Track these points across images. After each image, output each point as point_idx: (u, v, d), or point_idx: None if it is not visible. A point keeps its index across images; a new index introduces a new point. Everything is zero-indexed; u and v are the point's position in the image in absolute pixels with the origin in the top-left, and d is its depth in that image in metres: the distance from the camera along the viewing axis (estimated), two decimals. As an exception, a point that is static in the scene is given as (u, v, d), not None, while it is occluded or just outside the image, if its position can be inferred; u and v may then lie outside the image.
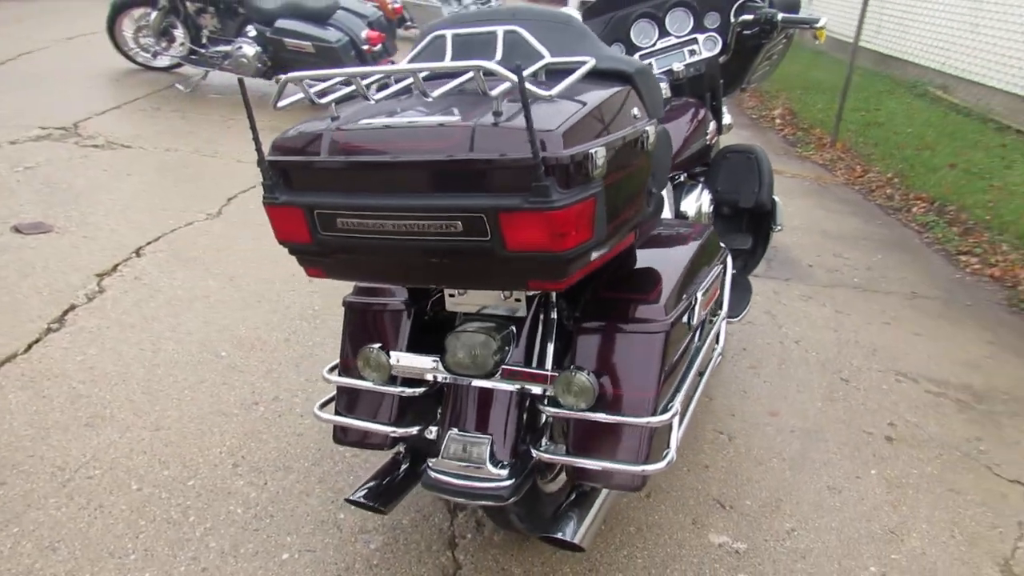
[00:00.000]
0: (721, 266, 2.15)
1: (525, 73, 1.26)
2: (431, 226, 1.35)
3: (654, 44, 2.82)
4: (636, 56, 2.79)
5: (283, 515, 2.06)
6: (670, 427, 1.60)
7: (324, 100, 1.49)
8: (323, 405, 1.85)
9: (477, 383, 1.66)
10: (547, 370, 1.64)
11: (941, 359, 3.30)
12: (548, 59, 1.55)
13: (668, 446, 1.60)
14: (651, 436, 1.58)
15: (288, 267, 3.25)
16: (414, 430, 1.75)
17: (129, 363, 2.67)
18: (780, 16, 2.68)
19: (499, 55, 1.59)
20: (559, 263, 1.35)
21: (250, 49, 6.16)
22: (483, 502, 1.64)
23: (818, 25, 2.68)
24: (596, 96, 1.49)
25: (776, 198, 2.90)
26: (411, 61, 1.65)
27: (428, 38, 1.64)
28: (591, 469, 1.59)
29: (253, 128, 1.42)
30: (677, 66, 2.78)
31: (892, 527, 2.22)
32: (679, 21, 2.84)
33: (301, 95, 1.49)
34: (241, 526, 2.01)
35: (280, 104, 1.48)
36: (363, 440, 1.82)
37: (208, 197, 4.28)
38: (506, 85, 1.34)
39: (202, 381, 2.60)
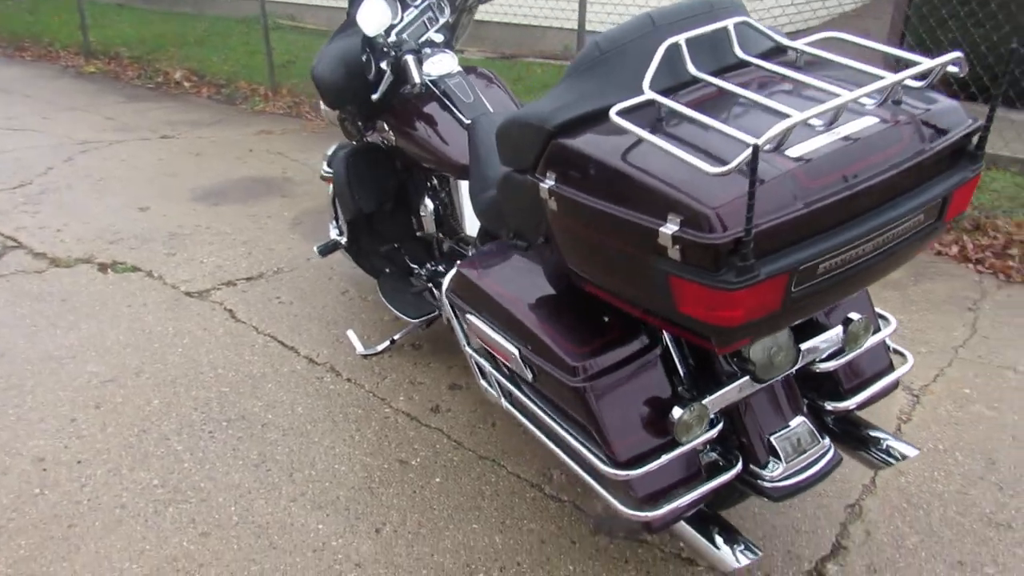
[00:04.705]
0: None
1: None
2: (904, 228, 1.35)
3: (402, 18, 2.64)
4: (393, 32, 2.59)
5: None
6: None
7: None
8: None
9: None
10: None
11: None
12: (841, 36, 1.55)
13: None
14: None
15: None
16: (740, 464, 1.65)
17: None
18: None
19: (737, 49, 1.51)
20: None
21: None
22: (831, 473, 1.72)
23: None
24: None
25: None
26: (662, 77, 1.41)
27: (663, 49, 1.42)
28: (874, 393, 1.81)
29: (751, 202, 1.14)
30: (436, 36, 2.68)
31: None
32: None
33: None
34: None
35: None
36: (686, 512, 1.63)
37: None
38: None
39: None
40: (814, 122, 1.30)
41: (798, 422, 1.70)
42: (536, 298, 1.74)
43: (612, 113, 1.34)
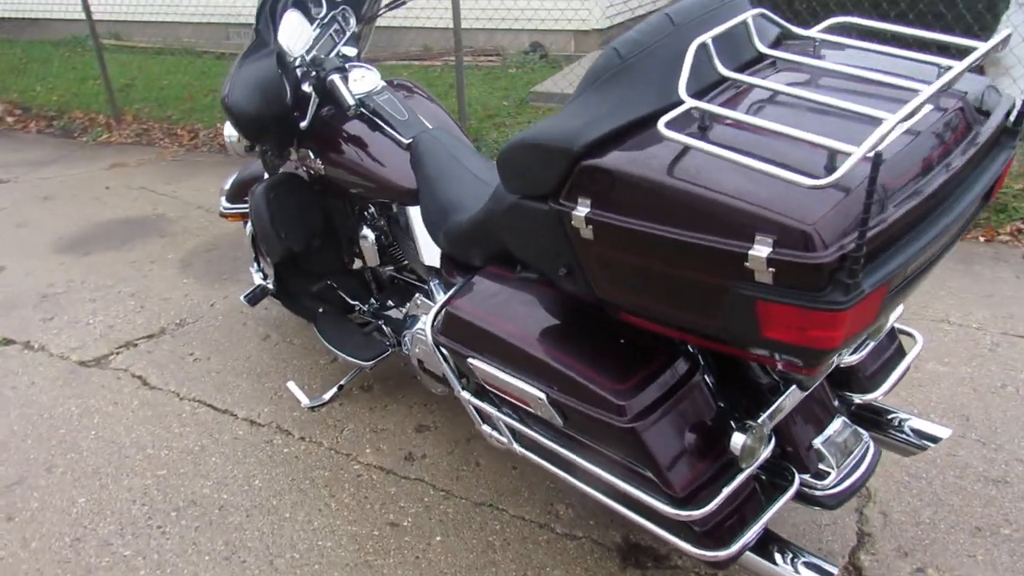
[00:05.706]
0: None
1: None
2: (966, 212, 1.30)
3: (315, 29, 2.39)
4: (303, 49, 2.34)
5: None
6: None
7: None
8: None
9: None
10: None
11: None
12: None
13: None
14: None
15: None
16: (797, 479, 1.57)
17: None
18: None
19: (757, 43, 1.42)
20: None
21: None
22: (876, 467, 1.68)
23: None
24: None
25: None
26: (691, 80, 1.29)
27: (693, 49, 1.29)
28: (897, 378, 1.79)
29: (866, 216, 1.04)
30: (347, 50, 2.46)
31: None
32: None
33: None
34: None
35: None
36: (753, 541, 1.53)
37: None
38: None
39: None
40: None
41: (839, 423, 1.65)
42: (556, 333, 1.58)
43: (660, 126, 1.20)
